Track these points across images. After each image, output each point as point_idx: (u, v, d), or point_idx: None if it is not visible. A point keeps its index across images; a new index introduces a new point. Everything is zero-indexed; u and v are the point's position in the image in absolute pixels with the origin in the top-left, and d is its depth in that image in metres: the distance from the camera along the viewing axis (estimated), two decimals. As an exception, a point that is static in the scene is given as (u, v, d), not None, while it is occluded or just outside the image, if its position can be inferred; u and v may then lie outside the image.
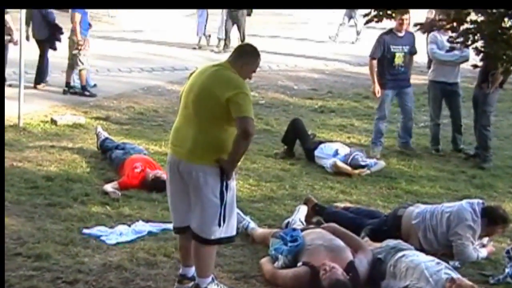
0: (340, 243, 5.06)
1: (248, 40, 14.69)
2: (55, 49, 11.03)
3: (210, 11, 15.92)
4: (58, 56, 11.27)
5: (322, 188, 7.15)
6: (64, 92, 10.72)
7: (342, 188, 7.18)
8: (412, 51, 8.61)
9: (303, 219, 5.91)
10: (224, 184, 4.40)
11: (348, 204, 6.43)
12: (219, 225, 4.42)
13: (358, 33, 17.33)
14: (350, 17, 17.32)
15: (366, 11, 5.22)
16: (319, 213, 6.11)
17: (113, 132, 8.47)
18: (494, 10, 4.86)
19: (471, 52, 6.47)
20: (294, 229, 5.29)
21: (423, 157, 8.59)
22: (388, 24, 6.65)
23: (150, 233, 5.64)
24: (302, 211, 6.04)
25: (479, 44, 5.20)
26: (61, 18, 11.48)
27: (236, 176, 4.67)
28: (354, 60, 15.06)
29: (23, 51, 8.70)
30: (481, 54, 5.21)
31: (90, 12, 11.32)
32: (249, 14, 16.54)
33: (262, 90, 12.01)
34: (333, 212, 6.08)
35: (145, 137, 8.63)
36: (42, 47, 10.98)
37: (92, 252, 5.20)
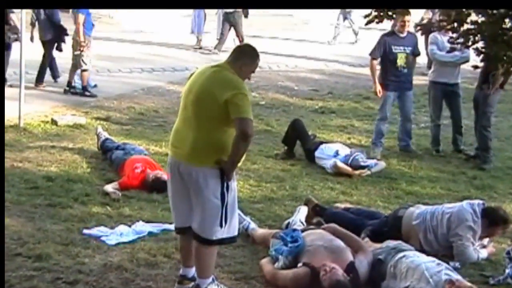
0: (341, 244, 5.06)
1: (248, 41, 14.68)
2: (61, 50, 11.09)
3: (207, 12, 15.93)
4: (59, 56, 11.31)
5: (322, 188, 7.15)
6: (65, 92, 10.75)
7: (343, 189, 7.18)
8: (415, 52, 8.62)
9: (303, 220, 5.91)
10: (225, 185, 4.40)
11: (348, 205, 6.43)
12: (221, 225, 4.42)
13: (356, 33, 17.35)
14: (345, 18, 17.32)
15: (362, 11, 5.23)
16: (320, 214, 6.10)
17: (113, 133, 8.48)
18: (495, 11, 4.87)
19: (471, 53, 6.48)
20: (294, 230, 5.28)
21: (424, 158, 8.58)
22: (387, 24, 6.66)
23: (150, 233, 5.64)
24: (302, 211, 6.04)
25: (480, 45, 5.21)
26: (63, 18, 11.47)
27: (236, 176, 4.67)
28: (355, 61, 15.05)
29: (27, 52, 8.71)
30: (482, 55, 5.23)
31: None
32: (246, 16, 16.50)
33: (262, 90, 12.01)
34: (334, 213, 6.07)
35: (146, 137, 8.63)
36: (47, 48, 11.03)
37: (92, 252, 5.20)
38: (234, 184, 4.51)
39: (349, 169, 7.66)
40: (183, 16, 16.42)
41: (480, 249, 5.58)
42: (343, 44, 17.36)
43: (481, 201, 5.72)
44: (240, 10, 15.42)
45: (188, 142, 4.42)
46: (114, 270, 4.92)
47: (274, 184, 7.19)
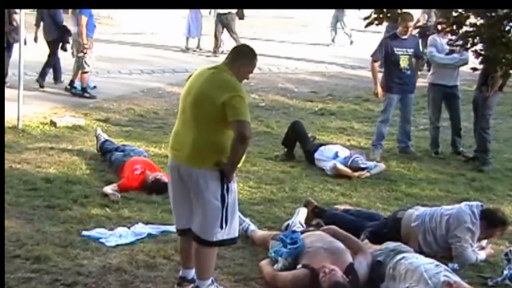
0: (340, 245, 5.06)
1: (248, 43, 14.69)
2: (65, 49, 11.18)
3: (203, 13, 15.93)
4: (61, 57, 11.33)
5: (322, 190, 7.15)
6: (66, 89, 10.83)
7: (342, 191, 7.18)
8: (418, 54, 8.63)
9: (303, 222, 5.91)
10: (225, 187, 4.40)
11: (348, 207, 6.43)
12: (221, 227, 4.42)
13: (348, 35, 17.39)
14: (337, 21, 17.36)
15: (354, 15, 5.24)
16: (319, 216, 6.11)
17: (113, 134, 8.48)
18: (493, 14, 4.87)
19: (470, 55, 6.49)
20: (294, 232, 5.29)
21: (423, 160, 8.59)
22: (381, 26, 6.65)
23: (149, 235, 5.63)
24: (302, 213, 6.04)
25: (479, 47, 5.21)
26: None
27: (236, 178, 4.67)
28: (355, 63, 15.07)
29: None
30: (481, 57, 5.22)
31: (91, 14, 11.37)
32: (242, 18, 16.51)
33: (262, 92, 12.02)
34: (333, 215, 6.08)
35: (145, 139, 8.63)
36: (52, 48, 11.10)
37: (91, 254, 5.20)
38: (234, 186, 4.51)
39: (348, 171, 7.67)
40: (183, 18, 16.41)
41: (479, 251, 5.59)
42: (343, 46, 17.38)
43: (479, 203, 5.73)
44: (234, 11, 15.43)
45: (188, 144, 4.42)
46: (113, 272, 4.91)
47: (274, 185, 7.19)
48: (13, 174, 6.84)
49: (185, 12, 16.12)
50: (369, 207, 6.68)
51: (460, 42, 5.24)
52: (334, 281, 4.63)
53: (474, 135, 8.68)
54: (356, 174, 7.65)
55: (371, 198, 7.05)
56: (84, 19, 10.39)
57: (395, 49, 8.40)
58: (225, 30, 15.44)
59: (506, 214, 5.90)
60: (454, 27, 5.19)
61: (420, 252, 5.30)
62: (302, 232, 5.30)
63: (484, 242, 5.71)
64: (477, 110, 8.50)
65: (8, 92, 9.49)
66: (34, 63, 10.88)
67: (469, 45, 5.18)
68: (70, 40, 10.94)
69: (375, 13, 5.42)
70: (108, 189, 6.54)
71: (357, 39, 17.29)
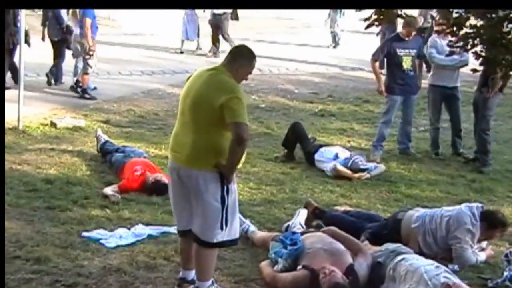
0: (340, 246, 5.06)
1: (249, 44, 14.68)
2: (70, 49, 11.17)
3: (199, 15, 15.93)
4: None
5: (322, 191, 7.15)
6: (71, 88, 10.89)
7: (342, 192, 7.18)
8: (421, 55, 8.63)
9: (303, 223, 5.91)
10: (225, 188, 4.40)
11: (348, 208, 6.44)
12: (222, 228, 4.42)
13: (338, 36, 17.46)
14: (331, 21, 17.43)
15: (354, 15, 5.25)
16: (319, 217, 6.11)
17: (113, 135, 8.48)
18: (493, 15, 4.87)
19: (470, 56, 6.49)
20: (293, 233, 5.29)
21: (423, 161, 8.59)
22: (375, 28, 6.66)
23: (150, 236, 5.63)
24: (302, 214, 6.05)
25: (479, 48, 5.21)
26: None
27: (236, 179, 4.67)
28: (355, 64, 15.08)
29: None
30: (481, 59, 5.23)
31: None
32: (237, 18, 16.50)
33: (262, 93, 12.03)
34: (333, 216, 6.08)
35: (145, 140, 8.63)
36: (57, 48, 11.17)
37: (91, 255, 5.20)
38: (234, 187, 4.52)
39: (348, 172, 7.67)
40: (182, 18, 16.40)
41: (479, 252, 5.59)
42: (343, 48, 17.38)
43: (479, 204, 5.73)
44: (228, 12, 15.43)
45: (187, 146, 4.42)
46: (114, 273, 4.92)
47: (274, 187, 7.19)
48: (13, 175, 6.84)
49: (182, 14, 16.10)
50: (369, 208, 6.68)
51: (460, 44, 5.24)
52: (334, 282, 4.63)
53: (474, 136, 8.68)
54: (356, 175, 7.65)
55: (371, 199, 7.05)
56: (88, 21, 10.40)
57: (397, 50, 8.40)
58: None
59: (506, 215, 5.90)
60: (454, 28, 5.19)
61: (420, 253, 5.30)
62: (302, 233, 5.30)
63: (484, 244, 5.71)
64: (477, 111, 8.50)
65: (9, 93, 9.50)
66: (34, 64, 10.88)
67: (469, 47, 5.18)
68: (72, 41, 10.98)
69: (375, 14, 5.42)
70: (108, 190, 6.54)
71: (357, 40, 17.29)
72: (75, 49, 10.92)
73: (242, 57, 4.56)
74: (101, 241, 5.44)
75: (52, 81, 11.13)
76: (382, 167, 7.99)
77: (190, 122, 4.44)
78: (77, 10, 10.69)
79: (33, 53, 10.67)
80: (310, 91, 12.59)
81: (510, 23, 4.96)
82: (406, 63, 8.42)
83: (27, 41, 10.12)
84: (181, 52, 15.63)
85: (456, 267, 5.30)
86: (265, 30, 19.49)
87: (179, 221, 4.69)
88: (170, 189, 4.69)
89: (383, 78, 8.75)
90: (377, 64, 8.63)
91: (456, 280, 4.65)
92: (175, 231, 4.97)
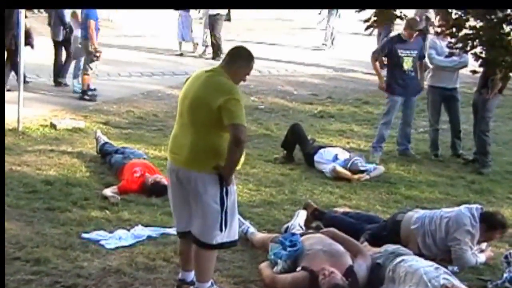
0: (340, 248, 5.06)
1: (248, 46, 14.67)
2: (69, 49, 11.18)
3: (193, 16, 15.92)
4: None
5: (321, 193, 7.15)
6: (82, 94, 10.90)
7: (342, 193, 7.19)
8: (422, 56, 8.64)
9: (302, 224, 5.91)
10: (224, 190, 4.41)
11: (347, 209, 6.44)
12: (221, 230, 4.42)
13: (332, 37, 17.48)
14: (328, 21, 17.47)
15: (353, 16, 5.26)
16: (319, 218, 6.11)
17: (112, 137, 8.48)
18: (493, 16, 4.88)
19: (470, 57, 6.49)
20: (293, 234, 5.29)
21: (422, 163, 8.59)
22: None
23: (149, 237, 5.63)
24: (301, 216, 6.05)
25: (478, 49, 5.22)
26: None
27: (235, 180, 4.67)
28: (354, 66, 15.07)
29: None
30: (480, 60, 5.23)
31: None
32: (229, 20, 16.49)
33: (262, 95, 12.02)
34: (333, 217, 6.08)
35: (145, 141, 8.63)
36: (57, 48, 11.21)
37: (91, 256, 5.20)
38: (233, 188, 4.52)
39: (348, 173, 7.67)
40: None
41: (478, 254, 5.59)
42: (343, 49, 17.38)
43: (479, 206, 5.73)
44: (223, 13, 15.43)
45: (186, 148, 4.42)
46: (113, 274, 4.92)
47: (273, 188, 7.19)
48: (13, 176, 6.84)
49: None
50: (369, 209, 6.68)
51: (459, 45, 5.25)
52: (334, 283, 4.63)
53: (474, 137, 8.68)
54: (356, 176, 7.66)
55: (370, 200, 7.05)
56: (92, 23, 10.38)
57: (399, 50, 8.41)
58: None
59: (505, 216, 5.90)
60: (454, 29, 5.20)
61: (420, 254, 5.30)
62: (301, 235, 5.30)
63: (483, 245, 5.71)
64: (477, 113, 8.51)
65: (8, 95, 9.50)
66: (33, 66, 10.88)
67: (468, 48, 5.19)
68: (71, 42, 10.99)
69: (374, 16, 5.43)
70: (108, 191, 6.54)
71: (356, 41, 17.30)
72: (75, 50, 10.91)
73: (240, 59, 4.56)
74: (101, 242, 5.44)
75: (62, 80, 11.14)
76: (381, 168, 7.99)
77: (188, 124, 4.45)
78: (78, 12, 10.71)
79: (33, 54, 10.66)
80: (310, 93, 12.59)
81: (509, 24, 4.97)
82: (407, 64, 8.43)
83: (30, 43, 10.12)
84: (181, 54, 15.62)
85: (455, 268, 5.30)
86: (265, 31, 19.49)
87: (178, 223, 4.70)
88: (170, 191, 4.69)
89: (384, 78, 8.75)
90: (377, 63, 8.65)
91: (455, 281, 4.65)
92: (175, 233, 4.97)
